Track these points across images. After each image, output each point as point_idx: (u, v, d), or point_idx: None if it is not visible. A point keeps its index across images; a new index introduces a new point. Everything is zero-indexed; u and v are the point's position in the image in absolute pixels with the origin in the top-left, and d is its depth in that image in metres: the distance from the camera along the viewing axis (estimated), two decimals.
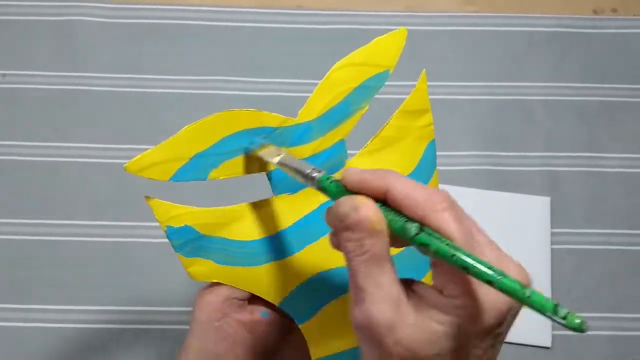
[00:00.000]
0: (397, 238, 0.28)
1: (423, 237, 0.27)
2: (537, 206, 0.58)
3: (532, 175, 0.59)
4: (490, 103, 0.61)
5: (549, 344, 0.54)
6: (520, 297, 0.25)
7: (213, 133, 0.33)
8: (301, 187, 0.36)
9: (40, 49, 0.62)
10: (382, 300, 0.27)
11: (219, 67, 0.62)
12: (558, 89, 0.62)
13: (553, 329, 0.54)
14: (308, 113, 0.35)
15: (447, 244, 0.26)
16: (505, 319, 0.29)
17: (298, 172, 0.32)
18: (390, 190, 0.28)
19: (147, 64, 0.62)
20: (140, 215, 0.57)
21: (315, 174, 0.31)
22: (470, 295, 0.27)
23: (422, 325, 0.27)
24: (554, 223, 0.57)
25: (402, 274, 0.29)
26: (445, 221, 0.27)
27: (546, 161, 0.59)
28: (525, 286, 0.26)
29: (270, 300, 0.36)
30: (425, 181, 0.38)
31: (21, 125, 0.59)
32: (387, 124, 0.37)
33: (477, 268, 0.26)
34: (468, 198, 0.58)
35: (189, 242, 0.34)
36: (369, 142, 0.37)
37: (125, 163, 0.32)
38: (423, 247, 0.27)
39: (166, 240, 0.56)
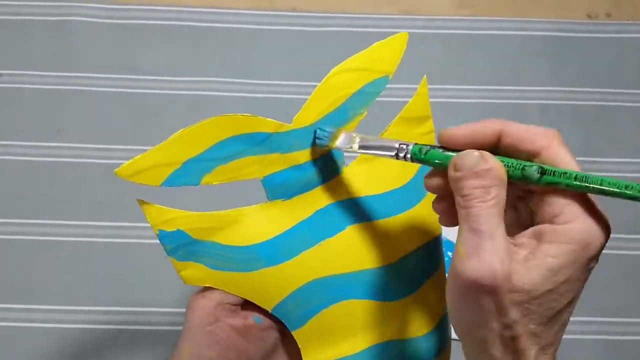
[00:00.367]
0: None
1: (547, 177, 0.29)
2: None
3: None
4: (485, 106, 0.62)
5: None
6: None
7: (206, 138, 0.33)
8: (296, 193, 0.35)
9: (36, 49, 0.62)
10: (501, 249, 0.28)
11: (215, 69, 0.62)
12: (553, 92, 0.62)
13: None
14: (304, 119, 0.34)
15: (575, 177, 0.29)
16: (600, 252, 0.31)
17: (385, 149, 0.32)
18: (506, 129, 0.30)
19: (144, 64, 0.62)
20: (138, 216, 0.56)
21: (405, 147, 0.32)
22: (585, 218, 0.30)
23: (536, 265, 0.29)
24: None
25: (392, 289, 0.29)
26: (564, 154, 0.30)
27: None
28: None
29: (263, 307, 0.36)
30: (424, 190, 0.38)
31: (18, 125, 0.59)
32: (385, 131, 0.37)
33: (616, 190, 0.29)
34: None
35: (181, 246, 0.34)
36: None
37: (122, 163, 0.32)
38: (550, 185, 0.29)
39: None
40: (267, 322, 0.36)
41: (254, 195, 0.37)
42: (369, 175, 0.37)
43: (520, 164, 0.30)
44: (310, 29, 0.64)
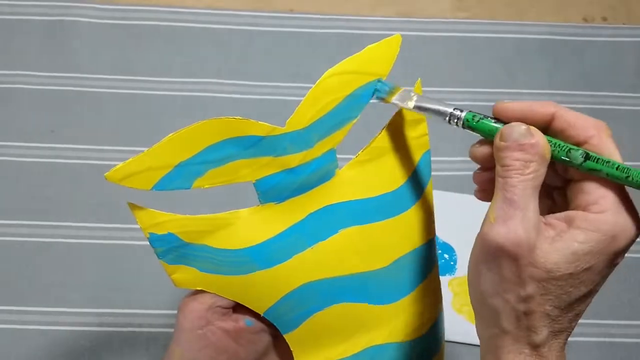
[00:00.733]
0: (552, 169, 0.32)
1: (590, 163, 0.30)
2: None
3: None
4: (482, 109, 0.61)
5: None
6: None
7: (198, 141, 0.32)
8: (288, 196, 0.35)
9: (32, 49, 0.62)
10: (529, 221, 0.30)
11: (213, 70, 0.62)
12: (550, 96, 0.62)
13: None
14: (297, 122, 0.34)
15: (617, 167, 0.30)
16: (628, 249, 0.31)
17: (439, 113, 0.33)
18: (559, 112, 0.32)
19: (141, 65, 0.62)
20: (133, 218, 0.56)
21: (459, 113, 0.33)
22: (619, 211, 0.30)
23: (561, 247, 0.30)
24: None
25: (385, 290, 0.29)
26: (611, 145, 0.31)
27: None
28: None
29: (255, 310, 0.35)
30: (419, 192, 0.38)
31: (12, 126, 0.59)
32: (379, 135, 0.36)
33: None
34: (459, 203, 0.58)
35: (172, 249, 0.34)
36: (360, 152, 0.37)
37: (114, 164, 0.32)
38: (591, 171, 0.30)
39: None
40: (258, 325, 0.36)
41: (247, 199, 0.36)
42: (361, 179, 0.36)
43: (567, 146, 0.31)
44: (308, 31, 0.64)
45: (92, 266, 0.55)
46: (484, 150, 0.33)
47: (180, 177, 0.33)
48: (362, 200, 0.36)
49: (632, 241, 0.31)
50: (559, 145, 0.31)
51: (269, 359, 0.38)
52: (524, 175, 0.30)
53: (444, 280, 0.55)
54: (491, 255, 0.30)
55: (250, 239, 0.35)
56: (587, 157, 0.30)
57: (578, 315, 0.32)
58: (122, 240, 0.56)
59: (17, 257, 0.55)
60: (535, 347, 0.31)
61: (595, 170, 0.30)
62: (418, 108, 0.34)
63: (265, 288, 0.35)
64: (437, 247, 0.56)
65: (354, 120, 0.36)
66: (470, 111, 0.33)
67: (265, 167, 0.34)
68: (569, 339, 0.54)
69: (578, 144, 0.31)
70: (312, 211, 0.35)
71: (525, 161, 0.30)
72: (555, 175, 0.33)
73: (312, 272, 0.35)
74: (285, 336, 0.36)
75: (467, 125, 0.33)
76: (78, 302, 0.54)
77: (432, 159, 0.59)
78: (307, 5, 0.65)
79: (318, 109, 0.34)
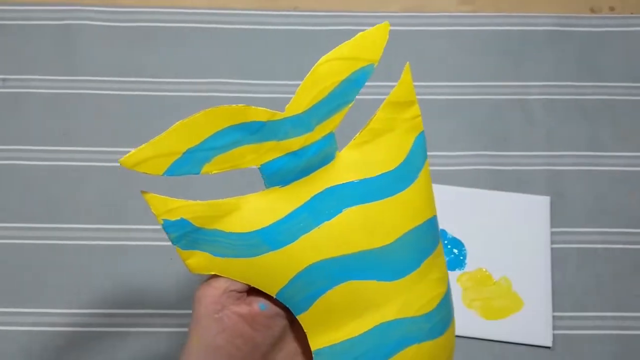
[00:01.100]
0: None
1: None
2: (537, 206, 0.58)
3: (531, 175, 0.59)
4: (489, 103, 0.61)
5: (549, 344, 0.54)
6: None
7: (204, 128, 0.34)
8: (293, 179, 0.37)
9: (40, 53, 0.62)
10: None
11: (218, 70, 0.62)
12: (557, 87, 0.62)
13: (554, 328, 0.54)
14: (296, 107, 0.36)
15: None
16: None
17: None
18: None
19: (148, 67, 0.62)
20: (145, 219, 0.57)
21: None
22: None
23: None
24: (554, 222, 0.57)
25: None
26: None
27: (546, 160, 0.59)
28: None
29: (267, 292, 0.36)
30: (415, 173, 0.39)
31: (24, 130, 0.60)
32: (374, 117, 0.38)
33: None
34: (468, 198, 0.58)
35: (185, 234, 0.35)
36: (357, 134, 0.38)
37: (131, 151, 0.33)
38: None
39: (168, 244, 0.57)
40: (273, 309, 0.37)
41: (251, 183, 0.38)
42: (362, 159, 0.38)
43: None
44: (313, 28, 0.64)
45: (103, 268, 0.56)
46: None
47: (189, 163, 0.34)
48: (362, 181, 0.37)
49: None
50: None
51: (286, 344, 0.38)
52: None
53: (453, 275, 0.55)
54: None
55: (259, 222, 0.36)
56: None
57: None
58: (134, 241, 0.56)
59: (30, 260, 0.56)
60: None
61: None
62: None
63: (275, 269, 0.36)
64: (446, 242, 0.56)
65: (350, 104, 0.37)
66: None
67: (269, 151, 0.36)
68: (589, 332, 0.54)
69: None
70: (315, 193, 0.37)
71: None
72: None
73: (319, 251, 0.36)
74: (298, 317, 0.37)
75: None
76: (88, 304, 0.55)
77: (439, 153, 0.60)
78: (311, 2, 0.65)
79: (315, 94, 0.36)
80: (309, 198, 0.37)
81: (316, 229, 0.36)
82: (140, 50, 0.63)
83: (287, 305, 0.37)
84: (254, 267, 0.36)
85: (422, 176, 0.39)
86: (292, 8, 0.65)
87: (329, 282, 0.37)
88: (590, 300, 0.56)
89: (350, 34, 0.36)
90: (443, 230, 0.57)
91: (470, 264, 0.56)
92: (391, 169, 0.38)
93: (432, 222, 0.40)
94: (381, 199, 0.38)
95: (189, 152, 0.34)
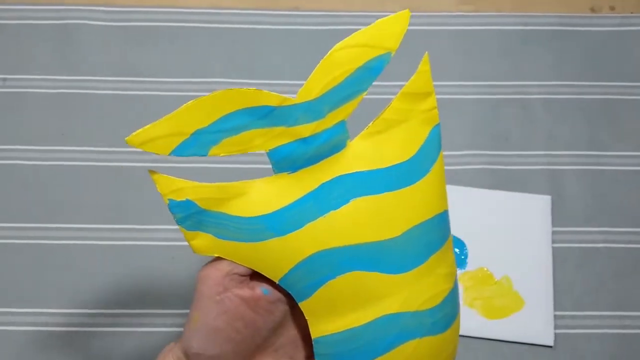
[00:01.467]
0: None
1: None
2: (538, 205, 0.58)
3: (532, 174, 0.59)
4: (489, 102, 0.62)
5: (551, 343, 0.54)
6: None
7: (213, 110, 0.34)
8: (301, 166, 0.36)
9: (40, 53, 0.62)
10: None
11: (218, 69, 0.62)
12: (557, 87, 0.62)
13: (555, 327, 0.54)
14: (307, 93, 0.35)
15: None
16: None
17: None
18: None
19: (147, 66, 0.62)
20: (146, 218, 0.57)
21: None
22: None
23: None
24: (555, 222, 0.57)
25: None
26: None
27: (546, 160, 0.59)
28: None
29: (271, 277, 0.36)
30: (429, 165, 0.38)
31: (23, 130, 0.60)
32: (388, 107, 0.37)
33: None
34: (469, 197, 0.58)
35: (190, 215, 0.35)
36: (370, 123, 0.37)
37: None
38: None
39: (169, 243, 0.57)
40: (275, 294, 0.37)
41: (259, 168, 0.37)
42: (373, 149, 0.37)
43: None
44: (313, 28, 0.64)
45: (102, 268, 0.56)
46: None
47: (196, 144, 0.34)
48: (373, 171, 0.37)
49: None
50: None
51: (286, 329, 0.38)
52: None
53: None
54: None
55: (264, 207, 0.36)
56: None
57: None
58: (133, 241, 0.56)
59: (28, 259, 0.56)
60: None
61: None
62: None
63: (279, 255, 0.36)
64: None
65: (364, 93, 0.36)
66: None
67: (278, 136, 0.35)
68: (589, 331, 0.54)
69: None
70: (324, 181, 0.36)
71: None
72: None
73: (324, 240, 0.36)
74: (300, 304, 0.37)
75: None
76: (87, 304, 0.54)
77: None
78: (312, 2, 0.65)
79: (328, 81, 0.35)
80: (316, 186, 0.36)
81: (322, 217, 0.36)
82: (139, 50, 0.62)
83: (290, 292, 0.37)
84: (257, 252, 0.36)
85: (435, 169, 0.38)
86: (292, 8, 0.65)
87: (333, 271, 0.37)
88: (591, 299, 0.56)
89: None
90: None
91: (472, 263, 0.56)
92: (403, 160, 0.37)
93: (443, 216, 0.39)
94: (391, 190, 0.37)
95: (197, 133, 0.34)
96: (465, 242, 0.56)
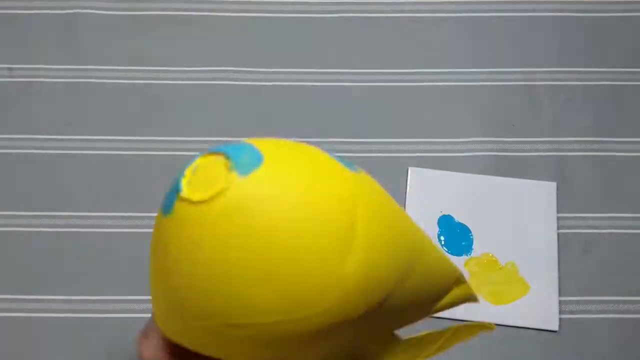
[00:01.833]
0: None
1: None
2: (543, 191, 0.58)
3: (538, 161, 0.59)
4: (495, 89, 0.62)
5: (556, 328, 0.54)
6: None
7: None
8: None
9: (46, 43, 0.62)
10: None
11: (226, 58, 0.62)
12: (563, 73, 0.62)
13: (560, 312, 0.55)
14: None
15: None
16: None
17: None
18: None
19: (153, 55, 0.62)
20: (150, 206, 0.57)
21: None
22: None
23: None
24: (560, 208, 0.58)
25: None
26: None
27: (552, 146, 0.60)
28: None
29: None
30: None
31: (29, 119, 0.60)
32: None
33: None
34: (475, 184, 0.58)
35: None
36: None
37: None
38: None
39: None
40: None
41: None
42: None
43: None
44: (323, 16, 0.64)
45: (109, 255, 0.56)
46: None
47: None
48: None
49: None
50: None
51: None
52: None
53: (461, 260, 0.56)
54: None
55: None
56: None
57: None
58: (139, 228, 0.57)
59: (35, 248, 0.56)
60: None
61: None
62: None
63: None
64: (453, 227, 0.57)
65: None
66: None
67: None
68: (594, 316, 0.54)
69: None
70: None
71: None
72: None
73: None
74: None
75: None
76: (100, 290, 0.55)
77: (447, 140, 0.60)
78: None
79: None
80: None
81: None
82: (146, 39, 0.63)
83: None
84: None
85: None
86: None
87: None
88: (596, 284, 0.56)
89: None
90: (450, 216, 0.57)
91: (477, 249, 0.56)
92: None
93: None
94: None
95: None
96: (471, 228, 0.57)
